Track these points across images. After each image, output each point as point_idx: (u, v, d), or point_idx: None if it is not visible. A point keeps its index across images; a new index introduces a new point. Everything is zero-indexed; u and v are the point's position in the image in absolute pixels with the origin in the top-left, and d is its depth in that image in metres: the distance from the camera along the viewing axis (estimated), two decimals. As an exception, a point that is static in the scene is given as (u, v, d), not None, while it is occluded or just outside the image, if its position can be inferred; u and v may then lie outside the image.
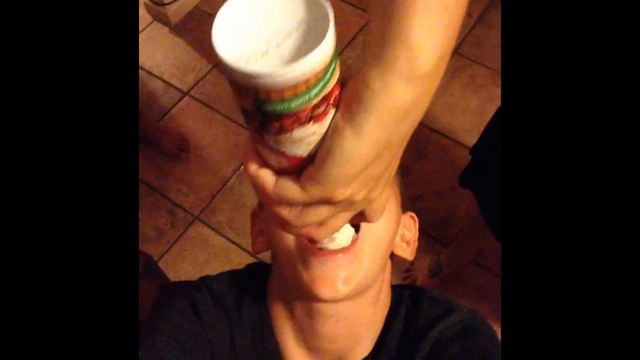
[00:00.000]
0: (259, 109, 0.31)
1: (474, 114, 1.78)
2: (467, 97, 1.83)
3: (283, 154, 0.34)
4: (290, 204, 0.35)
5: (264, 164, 0.35)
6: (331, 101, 0.32)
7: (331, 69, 0.31)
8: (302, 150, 0.34)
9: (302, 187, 0.34)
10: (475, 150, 1.20)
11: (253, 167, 0.35)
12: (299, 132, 0.33)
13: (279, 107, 0.31)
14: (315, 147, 0.34)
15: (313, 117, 0.32)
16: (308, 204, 0.35)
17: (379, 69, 0.30)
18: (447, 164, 1.73)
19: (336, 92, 0.33)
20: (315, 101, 0.31)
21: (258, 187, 0.36)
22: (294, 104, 0.31)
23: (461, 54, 1.92)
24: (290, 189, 0.34)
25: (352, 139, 0.31)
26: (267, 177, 0.35)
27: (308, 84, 0.30)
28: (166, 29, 2.07)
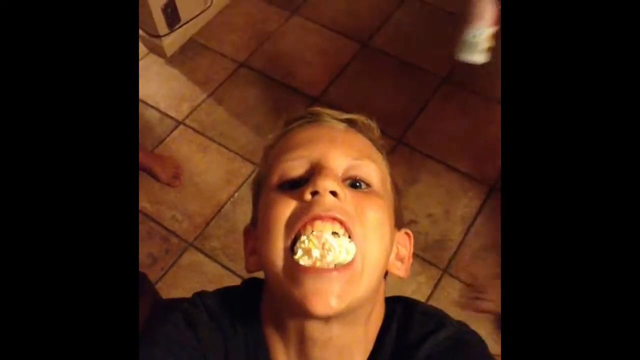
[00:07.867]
0: None
1: (465, 139, 1.81)
2: (459, 122, 1.85)
3: None
4: None
5: None
6: None
7: None
8: None
9: None
10: None
11: None
12: None
13: None
14: None
15: None
16: None
17: None
18: (441, 188, 1.74)
19: None
20: None
21: None
22: None
23: (451, 81, 1.96)
24: None
25: None
26: None
27: None
28: (162, 60, 2.10)
